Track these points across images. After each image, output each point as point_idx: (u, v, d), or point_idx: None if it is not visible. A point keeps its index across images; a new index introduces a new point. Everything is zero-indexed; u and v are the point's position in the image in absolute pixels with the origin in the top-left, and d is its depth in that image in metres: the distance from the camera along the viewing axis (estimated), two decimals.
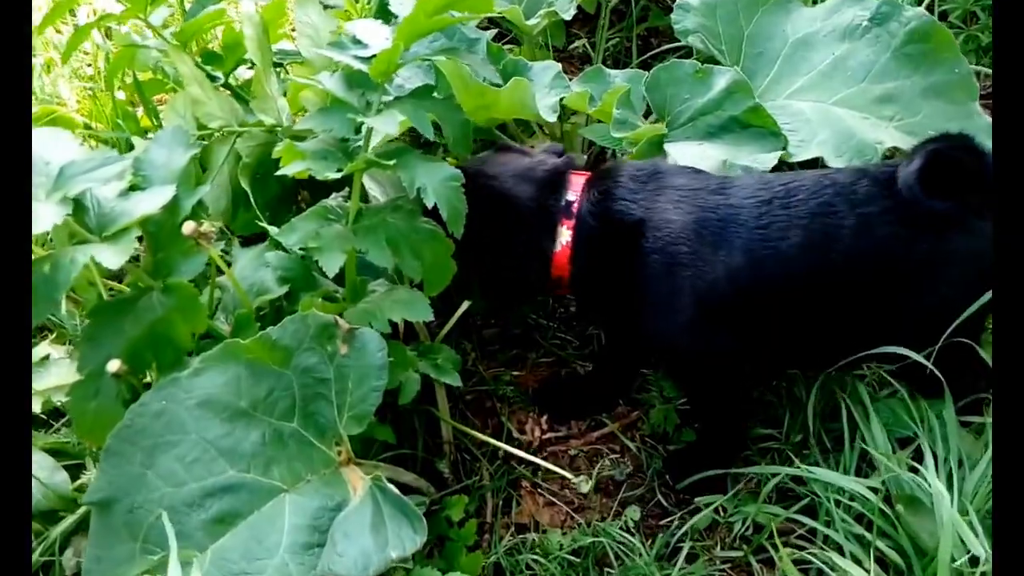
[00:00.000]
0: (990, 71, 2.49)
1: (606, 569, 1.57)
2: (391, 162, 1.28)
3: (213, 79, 1.68)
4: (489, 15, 2.46)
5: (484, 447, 1.76)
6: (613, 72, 2.10)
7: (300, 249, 1.38)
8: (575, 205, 1.51)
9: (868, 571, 1.35)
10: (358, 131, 1.35)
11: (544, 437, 1.84)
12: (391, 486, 1.24)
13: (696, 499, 1.64)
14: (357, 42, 1.41)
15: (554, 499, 1.70)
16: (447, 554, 1.50)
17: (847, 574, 1.34)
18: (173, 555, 1.02)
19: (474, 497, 1.68)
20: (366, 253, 1.30)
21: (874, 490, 1.44)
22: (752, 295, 1.45)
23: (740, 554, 1.55)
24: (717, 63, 2.24)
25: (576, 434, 1.85)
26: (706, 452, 1.70)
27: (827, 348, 1.55)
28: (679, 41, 2.26)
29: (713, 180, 1.53)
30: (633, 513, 1.65)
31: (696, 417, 1.77)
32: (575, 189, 1.53)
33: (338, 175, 1.27)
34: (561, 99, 1.92)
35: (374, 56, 1.31)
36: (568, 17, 2.27)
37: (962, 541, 1.31)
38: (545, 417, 1.88)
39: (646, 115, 2.13)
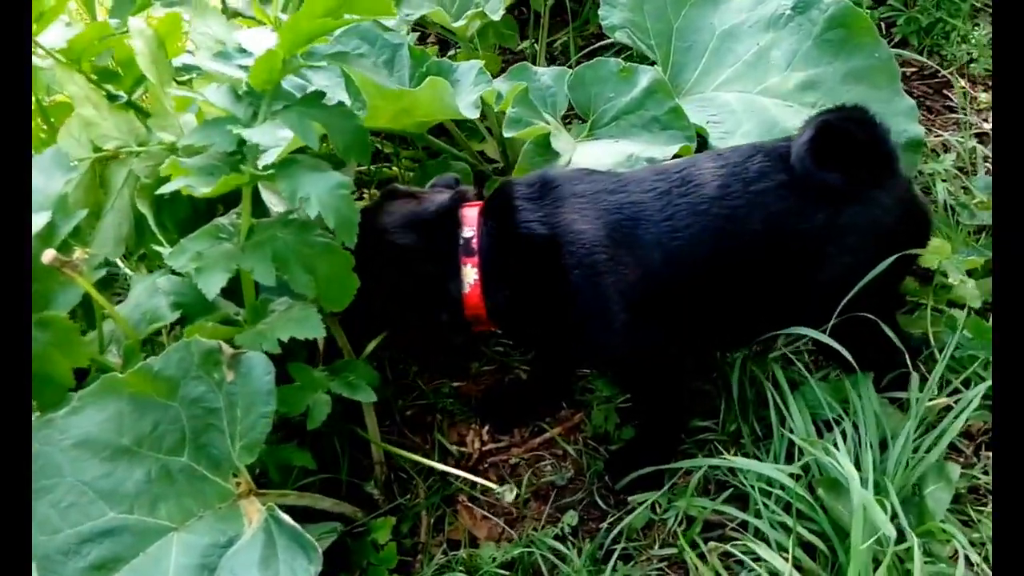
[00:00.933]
0: (917, 56, 2.40)
1: None
2: (268, 173, 1.15)
3: (114, 97, 1.55)
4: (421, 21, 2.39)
5: (420, 464, 1.63)
6: (540, 69, 2.00)
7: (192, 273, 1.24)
8: (474, 241, 1.38)
9: (788, 559, 1.26)
10: (243, 144, 1.22)
11: (484, 448, 1.71)
12: (286, 517, 1.11)
13: (631, 498, 1.52)
14: (243, 51, 1.29)
15: (491, 512, 1.57)
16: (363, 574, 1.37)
17: (769, 565, 1.25)
18: None
19: (409, 516, 1.55)
20: (252, 271, 1.17)
21: (796, 476, 1.36)
22: (672, 286, 1.37)
23: (676, 551, 1.42)
24: (647, 58, 2.15)
25: (518, 442, 1.72)
26: (644, 449, 1.58)
27: (746, 328, 1.48)
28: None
29: (609, 179, 1.42)
30: (570, 519, 1.52)
31: (639, 415, 1.65)
32: (470, 223, 1.39)
33: (212, 192, 1.14)
34: (481, 96, 1.80)
35: None
36: (496, 18, 2.16)
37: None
38: (487, 428, 1.75)
39: (568, 117, 2.02)
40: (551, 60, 2.59)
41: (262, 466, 1.39)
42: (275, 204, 1.44)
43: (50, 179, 1.23)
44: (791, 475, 1.36)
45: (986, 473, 1.51)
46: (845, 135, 1.34)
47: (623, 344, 1.41)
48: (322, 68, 1.60)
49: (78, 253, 1.13)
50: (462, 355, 1.86)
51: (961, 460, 1.54)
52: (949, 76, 2.39)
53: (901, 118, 1.89)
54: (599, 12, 2.14)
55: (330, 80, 1.75)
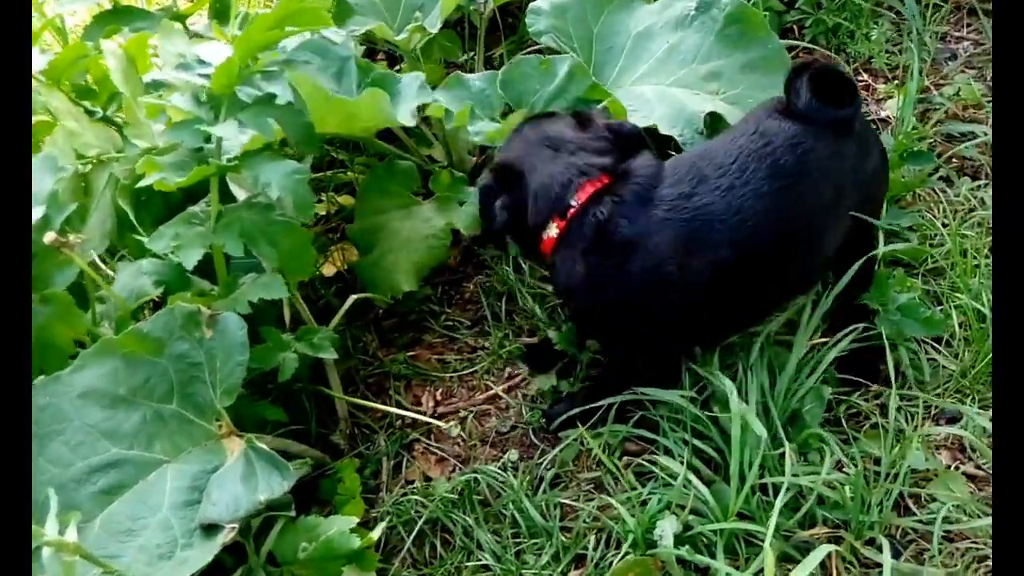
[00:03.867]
0: (807, 45, 2.67)
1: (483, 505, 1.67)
2: (234, 164, 1.37)
3: (91, 113, 1.76)
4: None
5: (382, 420, 1.86)
6: (471, 76, 2.21)
7: (172, 253, 1.47)
8: (570, 211, 1.56)
9: (683, 464, 1.53)
10: (208, 140, 1.44)
11: (437, 410, 1.94)
12: (263, 445, 1.33)
13: (561, 434, 1.76)
14: (202, 62, 1.51)
15: (445, 455, 1.80)
16: (334, 507, 1.59)
17: (668, 469, 1.53)
18: (52, 513, 1.09)
19: (371, 462, 1.78)
20: (223, 247, 1.40)
21: (694, 400, 1.61)
22: (738, 275, 1.54)
23: (599, 474, 1.67)
24: None
25: (465, 399, 1.96)
26: (579, 398, 1.80)
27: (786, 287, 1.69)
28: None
29: (688, 177, 1.55)
30: (512, 455, 1.76)
31: (601, 369, 1.86)
32: (580, 196, 1.56)
33: (185, 182, 1.36)
34: (419, 106, 2.03)
35: None
36: (434, 31, 2.37)
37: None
38: (440, 391, 1.98)
39: (505, 112, 2.26)
40: (489, 69, 2.80)
41: (240, 420, 1.61)
42: (241, 193, 1.67)
43: (42, 181, 1.44)
44: (691, 399, 1.60)
45: (866, 400, 1.77)
46: (828, 73, 1.53)
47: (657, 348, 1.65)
48: (273, 79, 1.84)
49: (71, 237, 1.34)
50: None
51: (847, 389, 1.79)
52: (853, 71, 2.67)
53: None
54: (526, 20, 2.37)
55: (281, 91, 1.97)
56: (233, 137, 1.41)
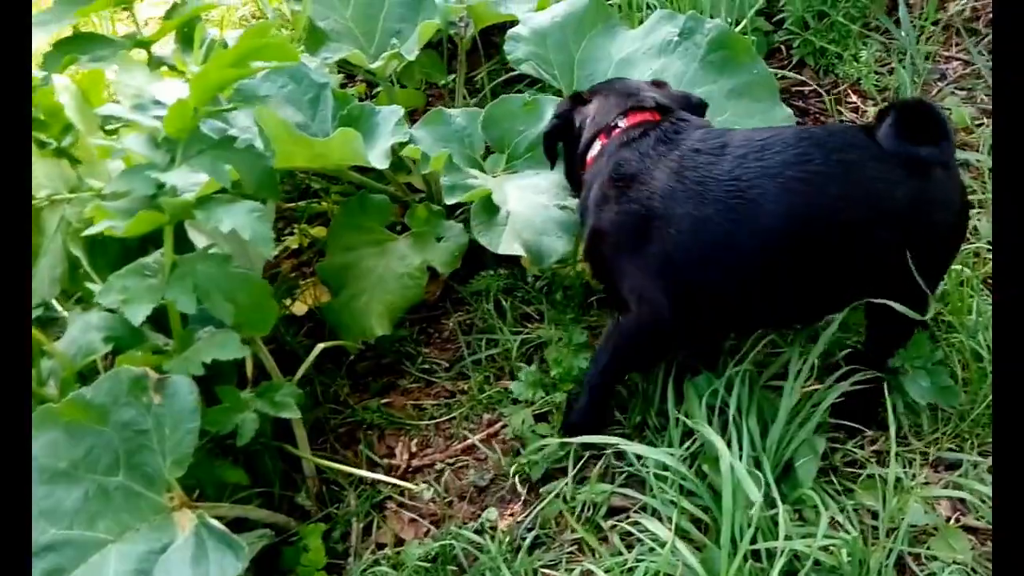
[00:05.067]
0: (790, 74, 2.61)
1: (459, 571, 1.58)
2: (187, 209, 1.28)
3: (44, 144, 1.66)
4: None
5: (351, 476, 1.76)
6: (454, 112, 2.14)
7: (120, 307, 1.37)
8: (616, 131, 1.71)
9: (672, 530, 1.44)
10: (161, 187, 1.35)
11: (412, 462, 1.85)
12: (215, 522, 1.23)
13: (542, 489, 1.67)
14: (158, 102, 1.42)
15: (417, 515, 1.70)
16: None
17: (656, 536, 1.44)
18: None
19: (340, 523, 1.68)
20: (176, 302, 1.30)
21: (685, 458, 1.53)
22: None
23: (583, 534, 1.58)
24: (552, 87, 2.32)
25: (442, 449, 1.86)
26: (578, 395, 1.75)
27: (805, 303, 1.62)
28: None
29: (714, 139, 1.59)
30: (490, 514, 1.67)
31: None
32: (627, 122, 1.71)
33: (133, 231, 1.27)
34: (393, 145, 1.95)
35: None
36: (412, 58, 2.30)
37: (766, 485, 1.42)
38: (415, 441, 1.88)
39: (487, 153, 2.16)
40: (472, 93, 2.73)
41: (198, 484, 1.51)
42: (201, 240, 1.57)
43: None
44: (683, 457, 1.52)
45: (860, 447, 1.69)
46: (923, 115, 1.45)
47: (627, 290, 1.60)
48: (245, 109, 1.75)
49: None
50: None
51: (842, 435, 1.71)
52: (840, 93, 2.61)
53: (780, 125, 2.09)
54: (504, 47, 2.29)
55: (252, 121, 1.88)
56: (187, 183, 1.32)
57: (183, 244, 1.53)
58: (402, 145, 1.93)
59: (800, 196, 1.44)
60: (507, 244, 1.80)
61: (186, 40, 2.25)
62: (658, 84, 1.90)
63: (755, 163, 1.47)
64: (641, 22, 2.38)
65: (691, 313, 1.58)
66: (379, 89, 2.78)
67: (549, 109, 2.06)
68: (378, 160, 1.88)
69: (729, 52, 2.16)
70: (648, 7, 2.60)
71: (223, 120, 1.70)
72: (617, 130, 1.69)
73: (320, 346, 1.73)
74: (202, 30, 2.11)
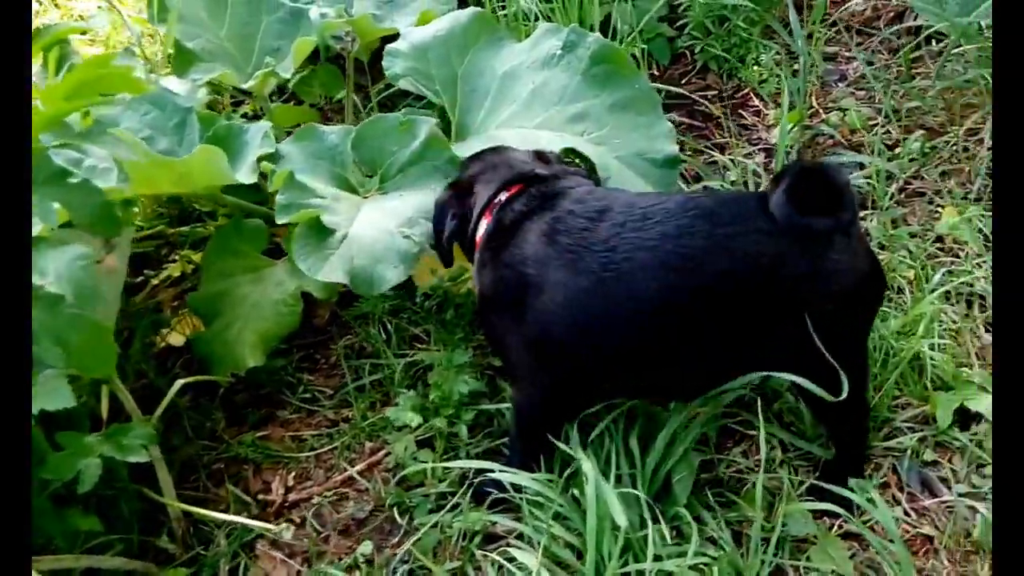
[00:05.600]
0: (669, 87, 2.62)
1: None
2: None
3: None
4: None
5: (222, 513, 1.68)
6: (326, 129, 2.05)
7: None
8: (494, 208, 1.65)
9: (538, 556, 1.41)
10: None
11: (289, 496, 1.78)
12: None
13: (416, 521, 1.63)
14: None
15: (289, 554, 1.64)
16: None
17: (523, 565, 1.41)
18: None
19: (208, 566, 1.60)
20: None
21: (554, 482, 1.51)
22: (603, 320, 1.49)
23: (460, 563, 1.54)
24: (433, 104, 2.28)
25: (321, 481, 1.80)
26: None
27: (695, 375, 1.56)
28: None
29: (591, 203, 1.54)
30: (365, 548, 1.62)
31: None
32: (509, 192, 1.65)
33: None
34: (258, 160, 1.88)
35: None
36: (288, 75, 2.23)
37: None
38: (293, 474, 1.82)
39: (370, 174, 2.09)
40: (367, 107, 2.67)
41: (47, 535, 1.42)
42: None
43: None
44: (557, 482, 1.49)
45: (744, 456, 1.70)
46: (819, 181, 1.37)
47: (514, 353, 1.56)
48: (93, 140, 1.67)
49: None
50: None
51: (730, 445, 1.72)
52: (743, 97, 2.64)
53: (661, 139, 2.09)
54: (383, 63, 2.23)
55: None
56: None
57: None
58: (261, 159, 1.85)
59: (676, 273, 1.37)
60: (329, 271, 1.69)
61: (47, 63, 2.15)
62: (541, 156, 1.78)
63: (632, 233, 1.40)
64: (528, 35, 2.36)
65: (576, 389, 1.56)
66: (257, 107, 2.71)
67: (423, 131, 1.99)
68: (245, 175, 1.81)
69: (611, 66, 2.14)
70: (537, 18, 2.58)
71: (79, 151, 1.62)
72: (498, 203, 1.62)
73: (179, 382, 1.64)
74: (57, 55, 2.02)
